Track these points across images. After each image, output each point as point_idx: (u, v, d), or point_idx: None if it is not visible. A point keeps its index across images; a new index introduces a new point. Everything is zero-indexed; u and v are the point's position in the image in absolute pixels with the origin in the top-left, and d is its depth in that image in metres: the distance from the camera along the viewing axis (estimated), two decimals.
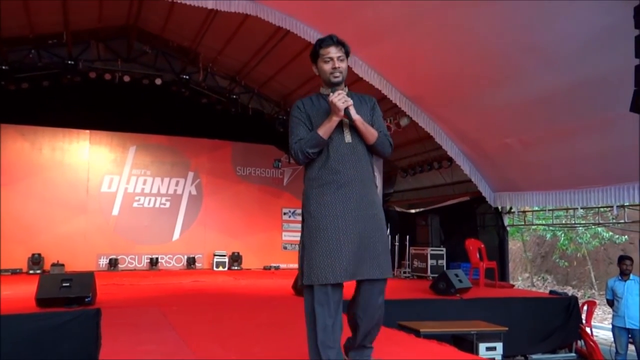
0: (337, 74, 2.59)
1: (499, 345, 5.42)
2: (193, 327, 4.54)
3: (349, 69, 3.33)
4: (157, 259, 11.48)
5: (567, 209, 9.23)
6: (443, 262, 9.97)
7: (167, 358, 3.48)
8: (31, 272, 9.89)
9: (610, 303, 6.58)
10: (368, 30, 7.13)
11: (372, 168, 2.68)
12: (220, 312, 5.59)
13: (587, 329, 7.32)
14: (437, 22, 6.42)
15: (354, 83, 7.94)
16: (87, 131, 11.39)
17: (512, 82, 6.69)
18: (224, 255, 11.76)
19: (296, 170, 13.17)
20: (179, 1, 6.98)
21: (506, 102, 7.09)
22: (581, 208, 8.48)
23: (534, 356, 6.91)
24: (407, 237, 10.93)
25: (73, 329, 4.92)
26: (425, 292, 7.34)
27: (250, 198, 12.68)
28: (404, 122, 8.97)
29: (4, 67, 9.55)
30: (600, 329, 9.56)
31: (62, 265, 9.95)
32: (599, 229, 13.36)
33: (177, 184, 12.13)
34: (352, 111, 2.52)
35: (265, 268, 12.24)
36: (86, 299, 5.35)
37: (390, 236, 8.73)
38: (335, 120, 2.50)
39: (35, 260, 10.11)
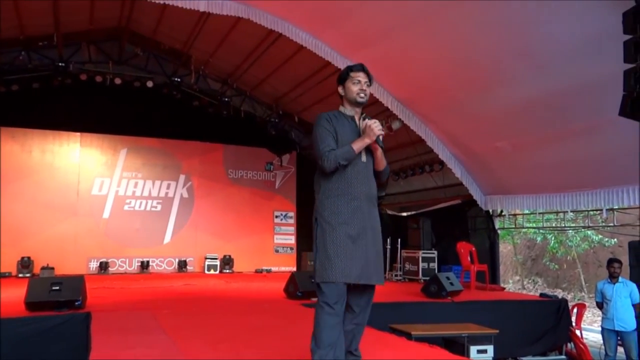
0: (363, 95, 2.89)
1: (490, 348, 5.45)
2: (184, 331, 4.52)
3: None
4: (148, 262, 11.42)
5: (557, 212, 9.31)
6: (434, 265, 10.03)
7: None
8: (20, 275, 9.81)
9: (600, 306, 6.62)
10: (360, 34, 7.16)
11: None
12: (211, 316, 5.58)
13: (577, 332, 7.37)
14: (429, 26, 6.46)
15: None
16: (78, 133, 11.32)
17: (503, 86, 6.74)
18: (216, 259, 11.72)
19: (288, 173, 13.17)
20: (170, 3, 6.97)
21: (497, 106, 7.14)
22: (571, 211, 8.56)
23: (524, 358, 6.94)
24: (399, 240, 10.97)
25: (63, 333, 4.88)
26: (417, 295, 7.36)
27: (242, 201, 12.65)
28: (396, 125, 9.00)
29: None
30: (590, 331, 9.61)
31: (52, 268, 9.87)
32: (589, 232, 13.43)
33: (168, 186, 12.08)
34: (380, 140, 2.88)
35: (257, 271, 12.23)
36: (76, 303, 5.32)
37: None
38: (367, 142, 2.79)
39: (25, 264, 10.03)
